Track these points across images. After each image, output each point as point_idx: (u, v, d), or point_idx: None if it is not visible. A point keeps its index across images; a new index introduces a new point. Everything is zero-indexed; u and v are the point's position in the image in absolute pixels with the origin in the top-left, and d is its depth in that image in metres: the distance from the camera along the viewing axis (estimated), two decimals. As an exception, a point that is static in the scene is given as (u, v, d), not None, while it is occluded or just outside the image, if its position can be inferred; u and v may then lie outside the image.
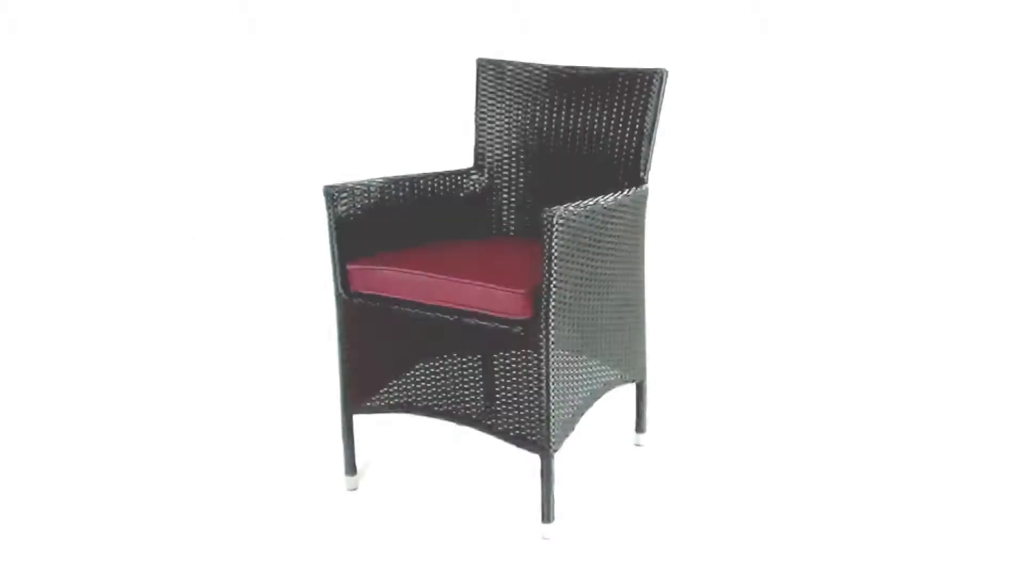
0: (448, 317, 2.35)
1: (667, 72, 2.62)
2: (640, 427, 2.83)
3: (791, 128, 4.16)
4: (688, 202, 4.12)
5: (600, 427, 2.95)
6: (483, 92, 2.83)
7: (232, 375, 3.37)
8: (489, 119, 2.82)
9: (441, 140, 3.78)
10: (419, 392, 2.48)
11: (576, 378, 2.38)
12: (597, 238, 2.35)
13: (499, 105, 2.81)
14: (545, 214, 2.19)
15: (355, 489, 2.62)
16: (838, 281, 4.05)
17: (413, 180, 2.65)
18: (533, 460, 2.54)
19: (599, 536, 2.40)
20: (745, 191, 4.21)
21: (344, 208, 2.48)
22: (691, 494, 2.59)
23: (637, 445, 2.84)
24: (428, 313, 2.38)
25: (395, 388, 2.51)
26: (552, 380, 2.28)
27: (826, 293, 3.98)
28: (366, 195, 2.53)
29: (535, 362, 2.27)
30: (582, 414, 2.44)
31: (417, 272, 2.37)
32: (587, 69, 2.71)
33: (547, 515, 2.36)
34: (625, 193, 2.45)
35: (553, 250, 2.20)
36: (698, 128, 3.97)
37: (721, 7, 4.11)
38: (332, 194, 2.46)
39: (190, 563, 2.31)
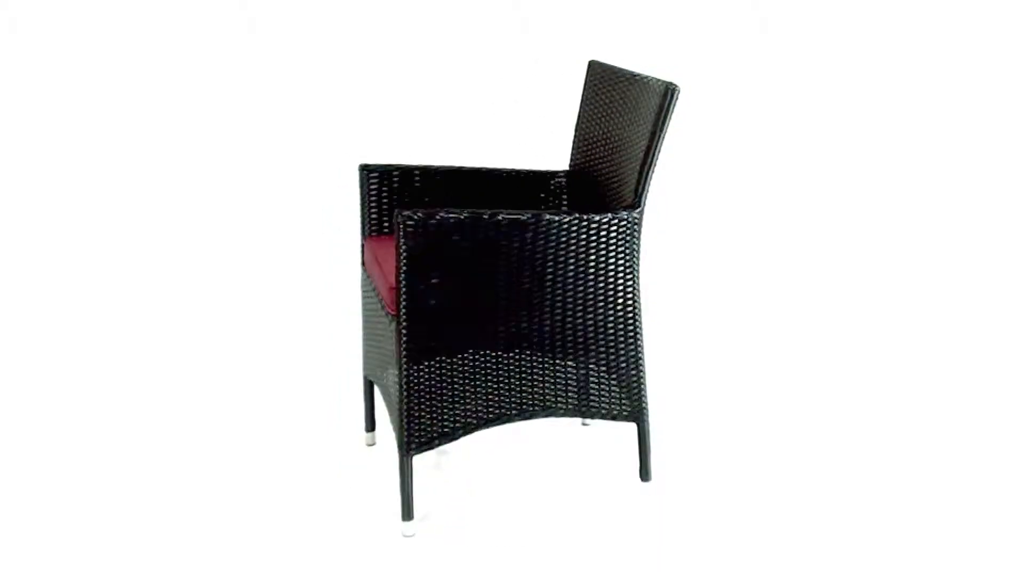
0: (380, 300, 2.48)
1: (678, 88, 2.30)
2: (644, 475, 2.56)
3: (791, 129, 4.11)
4: (701, 222, 4.10)
5: (604, 472, 2.69)
6: (584, 95, 2.74)
7: (277, 340, 3.56)
8: (582, 121, 2.73)
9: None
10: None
11: (463, 389, 2.32)
12: (500, 251, 2.25)
13: (587, 109, 2.71)
14: (395, 214, 2.20)
15: (373, 445, 2.84)
16: (861, 300, 3.79)
17: (452, 171, 2.73)
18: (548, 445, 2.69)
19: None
20: (759, 207, 4.12)
21: (376, 187, 2.68)
22: (695, 559, 2.32)
23: (642, 495, 2.57)
24: (378, 296, 2.52)
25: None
26: (412, 383, 2.28)
27: (850, 316, 3.68)
28: (400, 178, 2.69)
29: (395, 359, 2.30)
30: (476, 429, 2.36)
31: (369, 252, 2.52)
32: (642, 77, 2.49)
33: (406, 513, 2.37)
34: (565, 215, 2.28)
35: (400, 250, 2.20)
36: (699, 131, 3.81)
37: (720, 6, 4.10)
38: (366, 172, 2.69)
39: (220, 503, 2.57)
